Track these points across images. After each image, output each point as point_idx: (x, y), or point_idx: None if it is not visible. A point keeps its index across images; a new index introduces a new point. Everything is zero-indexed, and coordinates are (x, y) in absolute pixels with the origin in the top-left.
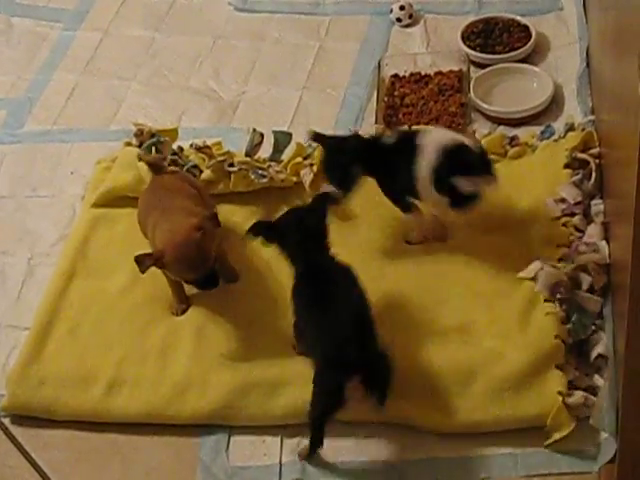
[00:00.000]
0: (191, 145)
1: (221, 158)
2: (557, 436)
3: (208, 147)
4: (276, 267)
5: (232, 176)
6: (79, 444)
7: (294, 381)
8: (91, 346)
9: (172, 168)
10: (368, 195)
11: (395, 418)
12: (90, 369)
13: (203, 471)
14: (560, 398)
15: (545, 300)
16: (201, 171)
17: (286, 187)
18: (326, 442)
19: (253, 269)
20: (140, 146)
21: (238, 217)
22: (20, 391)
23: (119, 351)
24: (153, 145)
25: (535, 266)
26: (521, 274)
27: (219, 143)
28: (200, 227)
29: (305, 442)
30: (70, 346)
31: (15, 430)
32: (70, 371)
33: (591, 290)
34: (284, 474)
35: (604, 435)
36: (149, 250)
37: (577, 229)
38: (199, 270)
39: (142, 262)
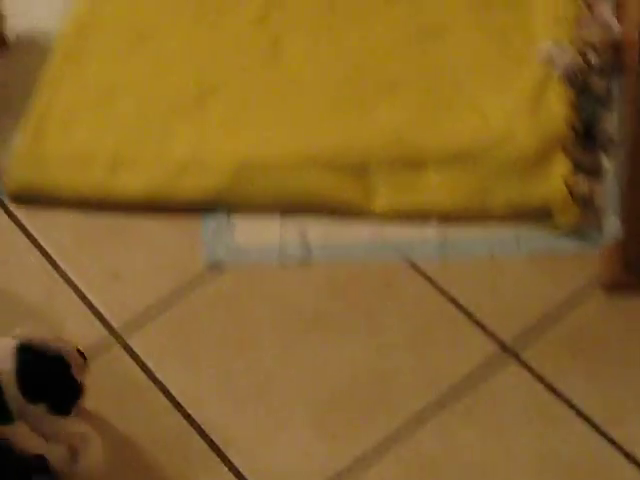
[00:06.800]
0: None
1: None
2: (562, 219)
3: None
4: None
5: None
6: (82, 225)
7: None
8: (91, 126)
9: None
10: None
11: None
12: (91, 149)
13: (207, 251)
14: (565, 181)
15: (556, 82)
16: None
17: None
18: None
19: None
20: None
21: None
22: (22, 172)
23: (119, 131)
24: None
25: (546, 45)
26: (533, 55)
27: None
28: None
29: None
30: (72, 127)
31: (18, 212)
32: (72, 151)
33: (599, 71)
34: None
35: (608, 217)
36: None
37: (587, 5)
38: None
39: None
